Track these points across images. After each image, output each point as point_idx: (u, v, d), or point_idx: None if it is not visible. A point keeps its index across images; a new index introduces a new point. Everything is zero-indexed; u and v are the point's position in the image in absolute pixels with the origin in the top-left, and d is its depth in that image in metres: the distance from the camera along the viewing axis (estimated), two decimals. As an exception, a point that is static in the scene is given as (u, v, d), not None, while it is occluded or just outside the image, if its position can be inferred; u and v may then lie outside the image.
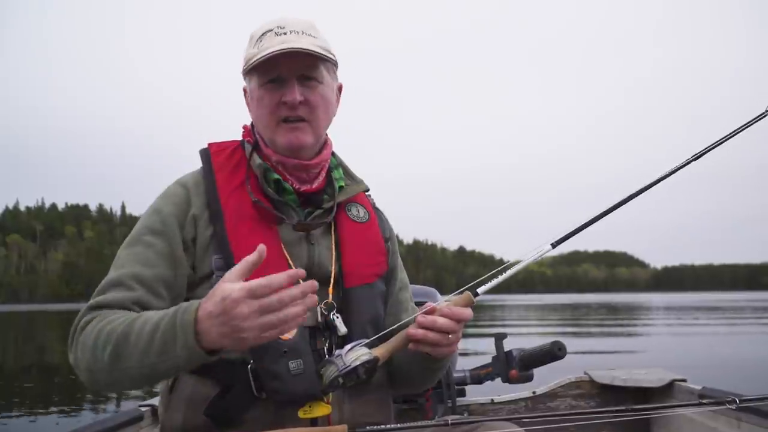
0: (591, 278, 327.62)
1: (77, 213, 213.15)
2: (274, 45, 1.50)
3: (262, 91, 1.54)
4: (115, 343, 1.28)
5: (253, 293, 1.13)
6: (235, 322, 1.14)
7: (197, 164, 1.64)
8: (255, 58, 1.50)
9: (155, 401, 2.65)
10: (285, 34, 1.52)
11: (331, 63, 1.59)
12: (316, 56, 1.52)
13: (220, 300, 1.15)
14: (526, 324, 27.47)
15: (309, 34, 1.54)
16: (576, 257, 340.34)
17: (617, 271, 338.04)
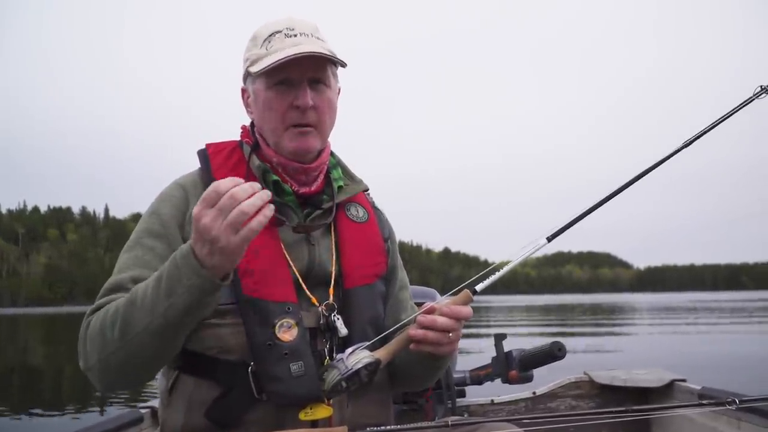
0: (575, 279, 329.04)
1: (60, 215, 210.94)
2: (286, 47, 1.49)
3: (271, 93, 1.52)
4: (122, 315, 1.30)
5: (206, 202, 1.18)
6: (207, 235, 1.18)
7: (184, 166, 1.63)
8: (271, 61, 1.47)
9: (155, 403, 2.64)
10: (295, 36, 1.51)
11: (335, 66, 1.58)
12: (325, 60, 1.52)
13: (193, 226, 1.21)
14: (517, 325, 27.53)
15: (317, 37, 1.54)
16: (560, 258, 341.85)
17: (601, 271, 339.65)
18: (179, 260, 1.25)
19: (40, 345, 25.21)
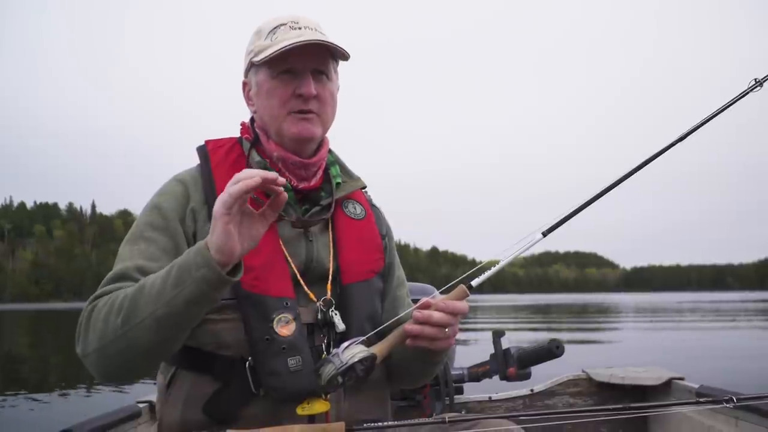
0: (562, 279, 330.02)
1: (46, 212, 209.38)
2: (291, 38, 1.50)
3: (274, 82, 1.54)
4: (130, 301, 1.28)
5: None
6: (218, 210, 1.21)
7: (177, 164, 1.62)
8: (274, 49, 1.49)
9: (153, 398, 2.63)
10: (300, 28, 1.53)
11: (336, 62, 1.61)
12: (327, 52, 1.54)
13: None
14: (508, 324, 27.59)
15: (320, 31, 1.56)
16: (547, 258, 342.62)
17: (587, 271, 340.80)
18: (193, 251, 1.25)
19: (26, 341, 25.05)
